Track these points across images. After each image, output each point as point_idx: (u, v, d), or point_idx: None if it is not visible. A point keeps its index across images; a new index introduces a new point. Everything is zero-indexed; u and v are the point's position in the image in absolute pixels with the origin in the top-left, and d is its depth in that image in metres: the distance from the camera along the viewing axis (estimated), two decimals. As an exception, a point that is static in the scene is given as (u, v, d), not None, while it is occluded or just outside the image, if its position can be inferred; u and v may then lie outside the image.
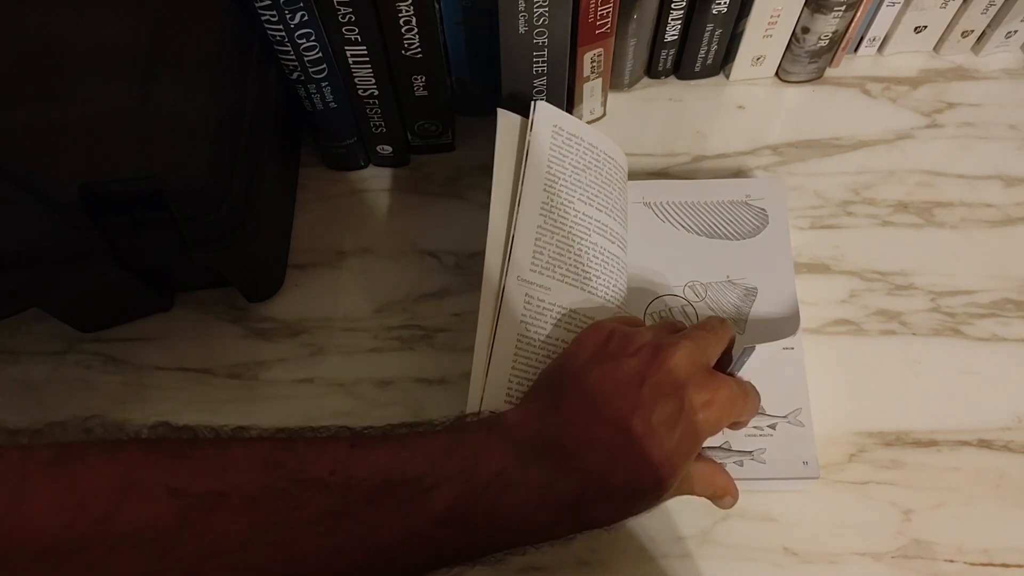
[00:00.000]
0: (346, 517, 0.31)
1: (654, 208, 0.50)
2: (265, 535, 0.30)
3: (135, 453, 0.31)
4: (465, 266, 0.52)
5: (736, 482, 0.44)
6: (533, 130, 0.45)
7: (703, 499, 0.45)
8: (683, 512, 0.45)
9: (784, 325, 0.46)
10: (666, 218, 0.50)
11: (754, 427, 0.43)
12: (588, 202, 0.46)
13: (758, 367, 0.43)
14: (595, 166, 0.47)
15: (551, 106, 0.46)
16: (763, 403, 0.43)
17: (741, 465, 0.43)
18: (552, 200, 0.45)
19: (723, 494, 0.40)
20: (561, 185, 0.45)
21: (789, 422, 0.43)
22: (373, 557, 0.32)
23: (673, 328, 0.41)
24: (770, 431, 0.43)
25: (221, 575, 0.29)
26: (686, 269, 0.48)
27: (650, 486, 0.35)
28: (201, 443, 0.32)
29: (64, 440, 0.31)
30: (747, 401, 0.40)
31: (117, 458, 0.30)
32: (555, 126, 0.46)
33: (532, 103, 0.46)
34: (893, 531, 0.44)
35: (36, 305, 0.46)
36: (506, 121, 0.46)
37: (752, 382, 0.42)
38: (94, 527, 0.28)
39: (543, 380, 0.40)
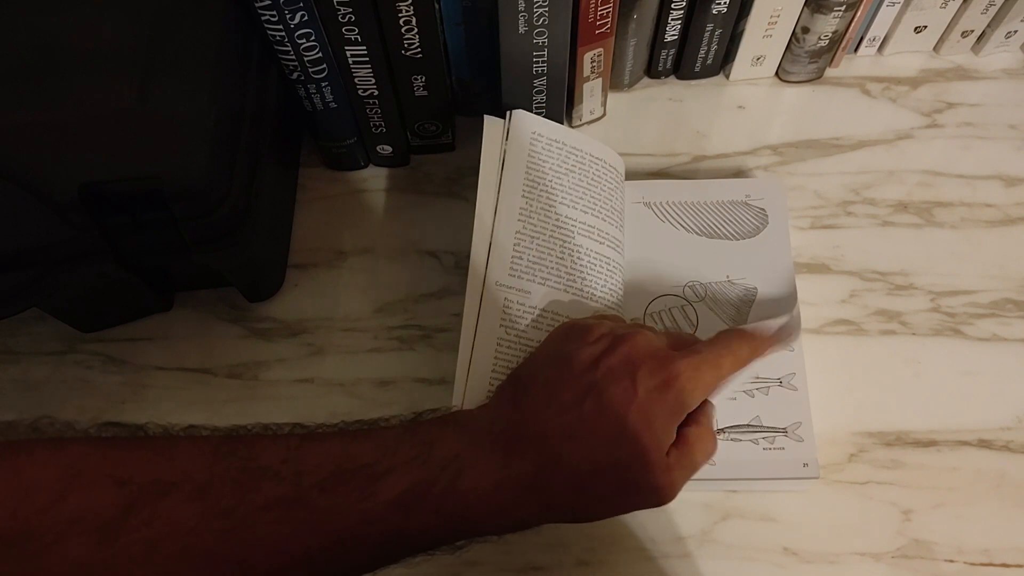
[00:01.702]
0: (298, 503, 0.31)
1: (654, 208, 0.50)
2: (214, 522, 0.30)
3: (81, 446, 0.31)
4: (465, 266, 0.52)
5: (736, 482, 0.45)
6: (509, 138, 0.46)
7: (703, 499, 0.45)
8: (683, 512, 0.45)
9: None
10: (666, 218, 0.50)
11: (753, 440, 0.44)
12: (572, 205, 0.46)
13: (756, 384, 0.43)
14: (580, 169, 0.47)
15: (529, 114, 0.47)
16: (763, 416, 0.44)
17: (772, 443, 0.43)
18: (532, 205, 0.45)
19: (709, 442, 0.39)
20: (542, 190, 0.45)
21: (788, 436, 0.44)
22: (329, 543, 0.32)
23: (683, 342, 0.40)
24: (768, 444, 0.44)
25: (169, 562, 0.30)
26: (686, 269, 0.48)
27: (608, 466, 0.35)
28: (150, 438, 0.33)
29: (14, 439, 0.31)
30: (720, 363, 0.39)
31: (63, 451, 0.31)
32: (534, 133, 0.47)
33: (508, 112, 0.46)
34: (893, 531, 0.44)
35: (36, 305, 0.46)
36: (492, 128, 0.47)
37: (752, 397, 0.42)
38: (39, 516, 0.29)
39: (509, 378, 0.40)
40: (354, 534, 0.32)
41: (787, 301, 0.47)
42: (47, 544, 0.28)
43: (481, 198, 0.45)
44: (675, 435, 0.37)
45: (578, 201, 0.46)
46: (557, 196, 0.46)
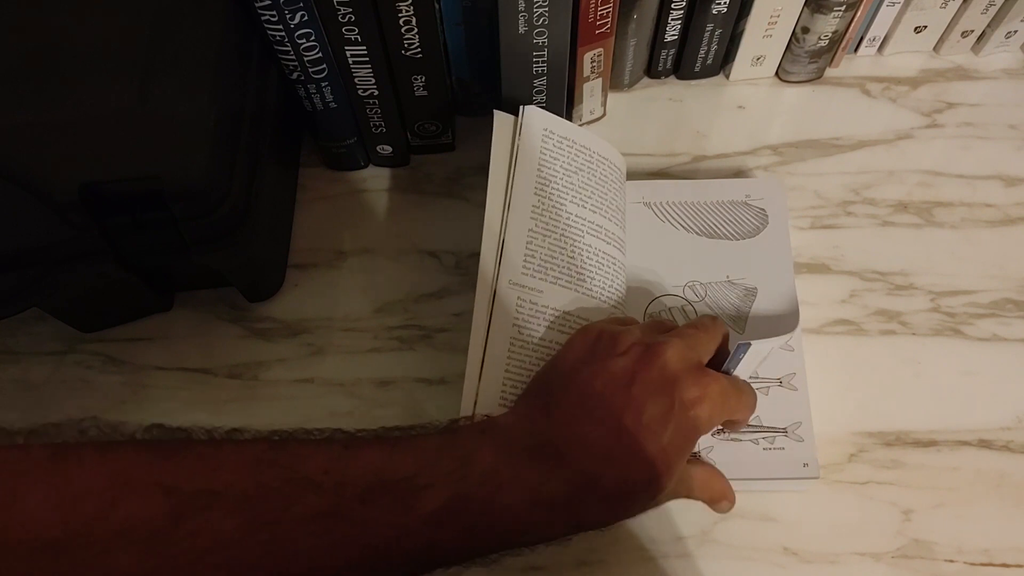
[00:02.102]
0: (339, 516, 0.31)
1: (654, 208, 0.50)
2: (257, 534, 0.30)
3: (129, 452, 0.31)
4: (465, 266, 0.52)
5: (736, 482, 0.44)
6: (521, 135, 0.46)
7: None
8: (683, 512, 0.45)
9: (784, 324, 0.46)
10: (666, 218, 0.50)
11: (753, 440, 0.44)
12: (581, 204, 0.46)
13: (756, 384, 0.43)
14: (588, 168, 0.47)
15: (540, 110, 0.47)
16: (763, 416, 0.44)
17: (772, 443, 0.43)
18: (543, 203, 0.45)
19: (720, 498, 0.40)
20: (553, 188, 0.45)
21: (788, 436, 0.44)
22: (366, 556, 0.32)
23: (663, 327, 0.41)
24: (768, 444, 0.44)
25: (214, 573, 0.29)
26: (686, 269, 0.48)
27: (643, 485, 0.35)
28: (194, 443, 0.32)
29: (59, 440, 0.31)
30: (741, 398, 0.39)
31: (111, 457, 0.30)
32: (545, 129, 0.46)
33: (520, 108, 0.46)
34: (893, 531, 0.44)
35: (36, 305, 0.46)
36: (502, 123, 0.46)
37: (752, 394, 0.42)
38: (88, 524, 0.28)
39: (535, 383, 0.40)
40: (390, 547, 0.32)
41: (787, 301, 0.47)
42: (95, 554, 0.28)
43: (491, 195, 0.44)
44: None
45: (587, 200, 0.46)
46: (567, 195, 0.46)
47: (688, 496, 0.39)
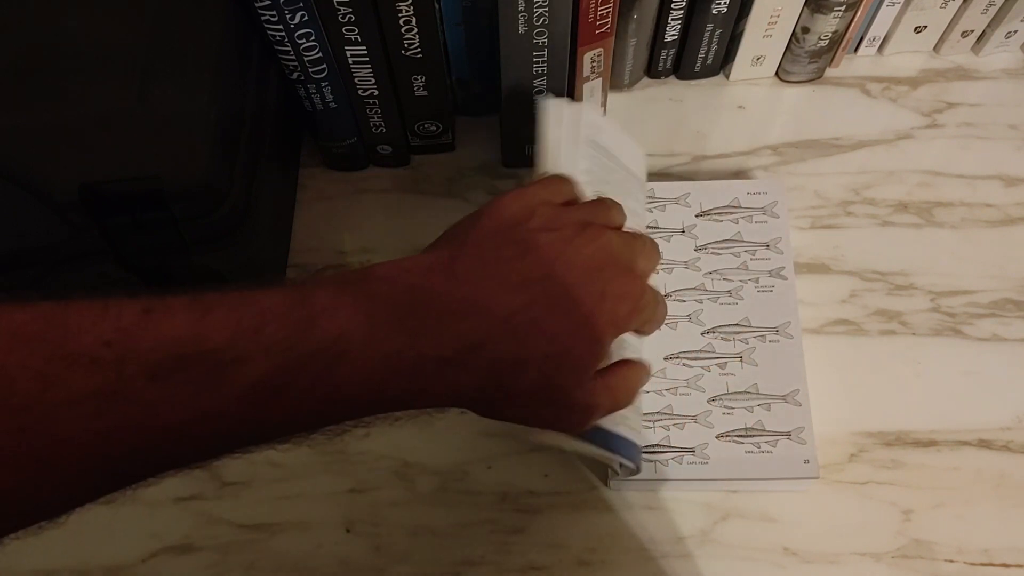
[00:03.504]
0: (119, 396, 0.27)
1: (654, 208, 0.50)
2: (7, 421, 0.26)
3: None
4: (465, 266, 0.52)
5: (736, 482, 0.44)
6: (567, 130, 0.43)
7: (703, 499, 0.45)
8: (683, 512, 0.45)
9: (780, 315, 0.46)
10: (668, 219, 0.50)
11: (755, 443, 0.44)
12: None
13: (759, 355, 0.44)
14: (616, 182, 0.45)
15: (593, 113, 0.45)
16: (766, 423, 0.44)
17: (774, 445, 0.43)
18: None
19: (637, 384, 0.36)
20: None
21: (791, 439, 0.44)
22: (157, 439, 0.28)
23: (609, 208, 0.38)
24: (763, 411, 0.44)
25: None
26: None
27: (539, 358, 0.31)
28: None
29: None
30: (658, 308, 0.37)
31: None
32: (592, 139, 0.44)
33: (570, 102, 0.44)
34: (893, 531, 0.44)
35: (36, 305, 0.46)
36: (554, 111, 0.43)
37: (752, 367, 0.43)
38: None
39: (448, 233, 0.35)
40: (188, 431, 0.28)
41: (786, 301, 0.47)
42: None
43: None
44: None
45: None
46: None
47: (614, 407, 0.35)
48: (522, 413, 0.33)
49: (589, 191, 0.43)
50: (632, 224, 0.45)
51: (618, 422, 0.40)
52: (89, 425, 0.27)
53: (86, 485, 0.28)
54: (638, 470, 0.42)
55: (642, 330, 0.37)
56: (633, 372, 0.36)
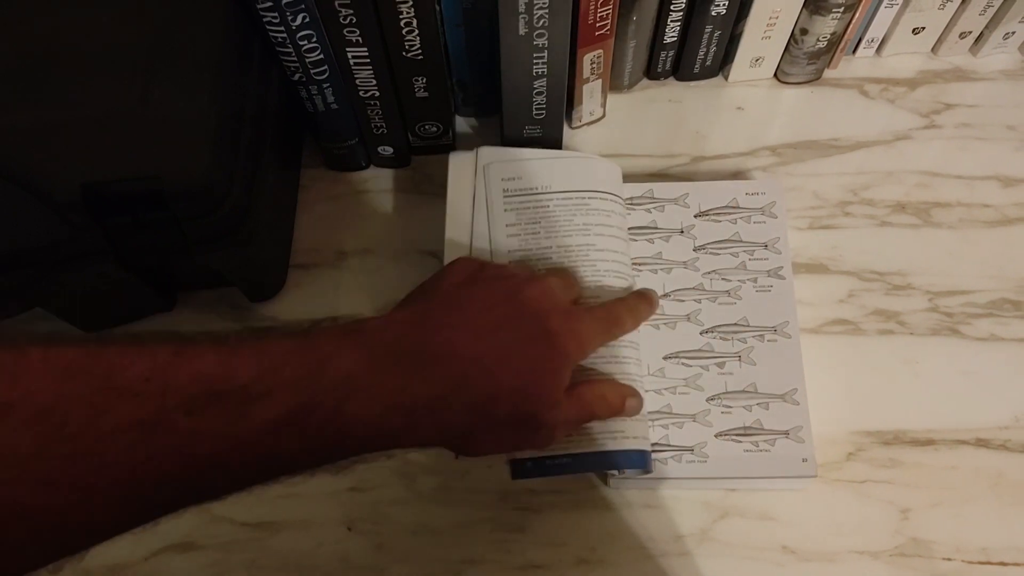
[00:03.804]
0: (160, 427, 0.29)
1: (653, 209, 0.50)
2: (57, 447, 0.28)
3: None
4: (465, 266, 0.52)
5: (735, 480, 0.45)
6: (480, 183, 0.48)
7: (701, 498, 0.45)
8: (682, 511, 0.45)
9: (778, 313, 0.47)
10: (664, 219, 0.50)
11: (753, 443, 0.44)
12: (567, 235, 0.47)
13: (758, 354, 0.44)
14: (566, 207, 0.47)
15: (497, 156, 0.49)
16: (764, 422, 0.44)
17: (772, 444, 0.44)
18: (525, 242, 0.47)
19: (620, 406, 0.41)
20: (529, 231, 0.47)
21: (789, 438, 0.44)
22: (192, 468, 0.30)
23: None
24: (762, 410, 0.44)
25: (5, 489, 0.28)
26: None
27: (510, 389, 0.36)
28: None
29: None
30: (610, 332, 0.43)
31: None
32: (505, 189, 0.48)
33: (478, 162, 0.48)
34: (891, 530, 0.45)
35: (38, 305, 0.46)
36: (458, 165, 0.49)
37: (750, 366, 0.44)
38: None
39: (413, 294, 0.41)
40: (219, 461, 0.31)
41: (784, 301, 0.47)
42: None
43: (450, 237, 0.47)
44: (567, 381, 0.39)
45: (572, 231, 0.47)
46: (552, 231, 0.47)
47: (592, 417, 0.41)
48: (499, 443, 0.38)
49: (524, 238, 0.47)
50: (603, 229, 0.46)
51: (617, 438, 0.41)
52: (133, 453, 0.29)
53: (128, 511, 0.30)
54: (649, 471, 0.42)
55: (623, 331, 0.43)
56: (609, 385, 0.42)
